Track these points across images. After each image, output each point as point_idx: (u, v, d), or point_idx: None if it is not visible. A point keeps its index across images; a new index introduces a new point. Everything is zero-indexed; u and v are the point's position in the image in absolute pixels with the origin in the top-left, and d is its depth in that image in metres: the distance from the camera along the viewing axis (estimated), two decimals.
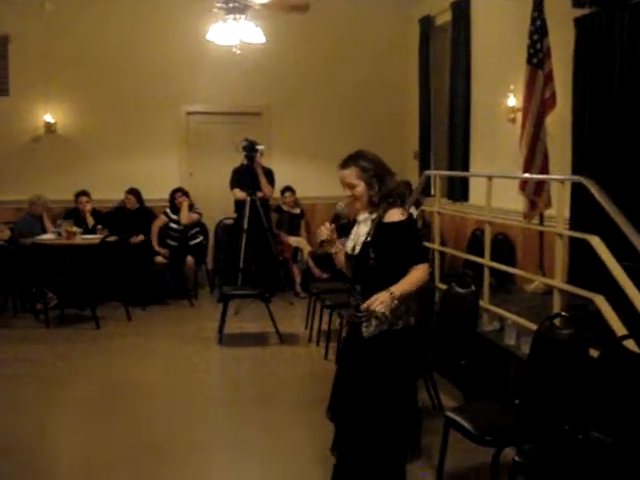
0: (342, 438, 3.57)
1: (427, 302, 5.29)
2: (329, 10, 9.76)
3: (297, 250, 9.42)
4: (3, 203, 9.16)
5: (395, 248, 3.37)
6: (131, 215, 9.12)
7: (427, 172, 7.70)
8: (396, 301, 3.27)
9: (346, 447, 3.52)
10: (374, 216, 3.45)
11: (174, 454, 4.49)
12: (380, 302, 3.24)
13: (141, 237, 8.96)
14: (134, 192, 9.18)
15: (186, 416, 5.23)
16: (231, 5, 7.22)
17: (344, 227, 5.56)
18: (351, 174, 3.46)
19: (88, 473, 4.29)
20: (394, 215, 3.40)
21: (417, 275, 3.35)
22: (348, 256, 3.57)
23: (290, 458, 4.43)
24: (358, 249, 3.48)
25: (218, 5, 7.26)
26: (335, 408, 3.62)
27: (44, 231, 8.70)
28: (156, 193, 9.35)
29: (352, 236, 3.58)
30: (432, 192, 8.15)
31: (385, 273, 3.37)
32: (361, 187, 3.45)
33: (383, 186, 3.44)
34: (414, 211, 7.56)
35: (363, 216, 3.52)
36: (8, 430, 4.91)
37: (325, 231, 3.58)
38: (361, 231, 3.50)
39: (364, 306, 3.31)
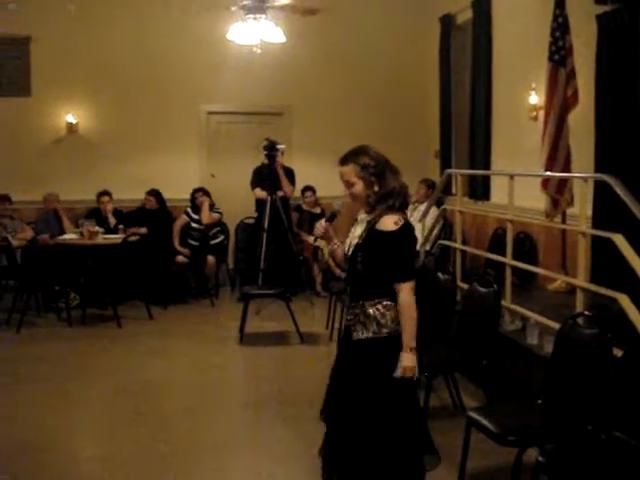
0: (333, 440, 3.48)
1: (448, 301, 5.29)
2: (349, 9, 9.77)
3: (317, 249, 9.41)
4: (26, 203, 9.21)
5: (382, 258, 3.23)
6: (152, 215, 9.15)
7: (448, 171, 7.65)
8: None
9: (337, 451, 3.43)
10: (370, 218, 3.31)
11: (194, 452, 4.50)
12: (411, 370, 3.22)
13: (143, 230, 8.78)
14: (154, 193, 9.21)
15: (206, 415, 5.25)
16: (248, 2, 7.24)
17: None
18: (350, 172, 3.29)
19: (107, 471, 4.31)
20: (388, 223, 3.22)
21: (407, 306, 3.24)
22: (345, 255, 3.47)
23: (310, 457, 4.41)
24: (351, 250, 3.37)
25: (240, 4, 7.29)
26: (328, 409, 3.54)
27: (61, 226, 8.76)
28: (177, 193, 9.39)
29: (350, 235, 3.45)
30: (453, 191, 8.11)
31: (371, 280, 3.28)
32: (359, 186, 3.29)
33: (383, 186, 3.28)
34: (434, 210, 7.53)
35: (362, 216, 3.39)
36: (29, 427, 4.95)
37: (320, 229, 3.48)
38: (357, 232, 3.37)
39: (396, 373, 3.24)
